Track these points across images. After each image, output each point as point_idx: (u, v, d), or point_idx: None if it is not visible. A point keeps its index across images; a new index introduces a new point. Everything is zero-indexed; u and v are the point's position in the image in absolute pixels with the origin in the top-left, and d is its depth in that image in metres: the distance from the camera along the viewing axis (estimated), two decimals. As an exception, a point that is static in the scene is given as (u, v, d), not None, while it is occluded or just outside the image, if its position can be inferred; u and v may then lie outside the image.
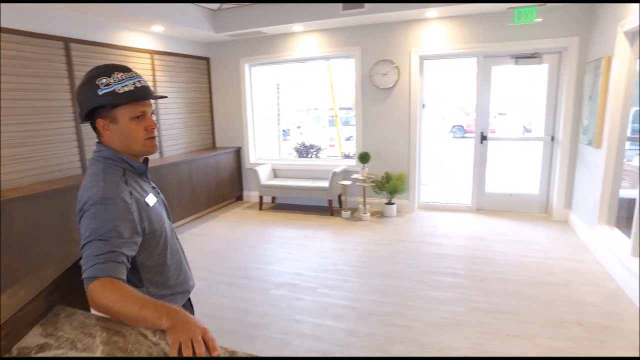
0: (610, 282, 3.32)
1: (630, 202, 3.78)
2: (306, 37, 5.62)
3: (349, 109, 9.63)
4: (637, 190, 3.17)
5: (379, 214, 5.45)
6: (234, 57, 6.05)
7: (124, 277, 1.08)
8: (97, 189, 1.15)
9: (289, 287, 3.47)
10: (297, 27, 5.32)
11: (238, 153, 6.29)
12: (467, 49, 4.92)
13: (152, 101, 1.31)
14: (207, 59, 6.14)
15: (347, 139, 10.20)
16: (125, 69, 1.22)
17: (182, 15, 4.84)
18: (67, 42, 4.06)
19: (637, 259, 3.07)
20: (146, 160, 1.35)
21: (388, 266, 3.82)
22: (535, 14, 4.46)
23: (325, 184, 5.50)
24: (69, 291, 1.27)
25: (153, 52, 5.12)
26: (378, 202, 5.59)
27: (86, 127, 4.32)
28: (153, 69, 5.13)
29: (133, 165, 1.28)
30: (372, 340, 2.64)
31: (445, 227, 4.89)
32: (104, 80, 1.17)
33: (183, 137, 5.70)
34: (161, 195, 1.45)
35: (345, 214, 5.41)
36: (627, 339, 2.58)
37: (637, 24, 3.26)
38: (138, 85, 1.21)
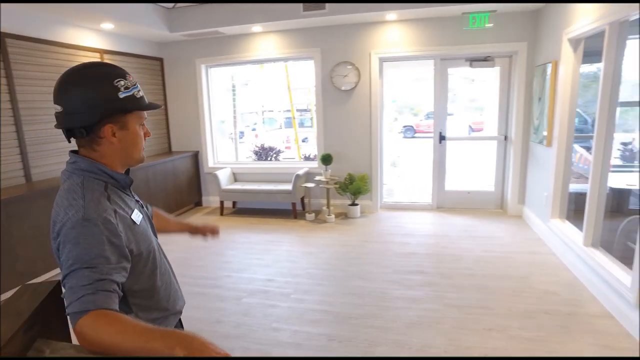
0: (566, 272, 3.54)
1: (577, 196, 4.07)
2: (265, 37, 5.52)
3: (305, 110, 9.62)
4: (583, 185, 3.40)
5: (343, 215, 5.47)
6: (189, 57, 5.82)
7: (117, 308, 0.94)
8: (77, 209, 1.00)
9: (262, 294, 3.38)
10: (256, 27, 5.22)
11: (196, 157, 6.06)
12: (425, 52, 5.07)
13: None
14: (160, 60, 5.86)
15: (303, 141, 10.18)
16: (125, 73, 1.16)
17: (134, 13, 4.57)
18: (2, 37, 3.68)
19: (589, 248, 3.30)
20: (127, 172, 1.22)
21: (358, 267, 3.83)
22: (488, 19, 4.67)
23: (287, 186, 5.43)
24: (48, 322, 1.13)
25: (103, 52, 4.80)
26: (341, 203, 5.60)
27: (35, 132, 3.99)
28: (103, 69, 4.80)
29: (116, 178, 1.13)
30: (354, 344, 2.62)
31: (409, 226, 4.99)
32: (122, 83, 1.08)
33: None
34: (148, 209, 1.34)
35: (310, 216, 5.38)
36: (588, 322, 2.76)
37: (580, 32, 3.51)
38: (142, 92, 1.18)
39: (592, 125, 4.98)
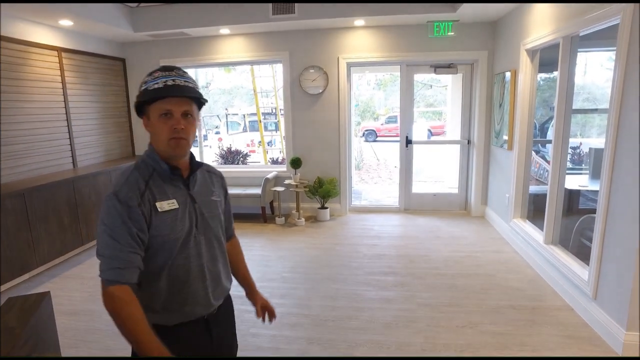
0: (529, 269, 3.75)
1: (535, 197, 4.32)
2: (233, 40, 5.46)
3: (270, 114, 9.59)
4: (542, 187, 3.62)
5: (313, 219, 5.49)
6: (153, 58, 5.64)
7: (137, 282, 1.16)
8: (115, 185, 1.20)
9: (237, 299, 3.27)
10: (224, 29, 5.15)
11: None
12: (391, 57, 5.20)
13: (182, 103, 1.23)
14: (122, 60, 5.64)
15: (269, 144, 10.14)
16: (169, 69, 1.23)
17: (96, 10, 4.38)
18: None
19: (549, 246, 3.52)
20: (196, 164, 1.33)
21: (331, 270, 3.86)
22: (451, 28, 4.87)
23: (256, 190, 5.38)
24: (40, 336, 1.08)
25: (60, 50, 4.56)
26: (310, 206, 5.63)
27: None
28: (61, 69, 4.57)
29: (158, 169, 1.25)
30: (334, 346, 2.65)
31: (377, 228, 5.09)
32: (145, 79, 1.22)
33: (99, 145, 5.16)
34: (208, 198, 1.36)
35: (280, 220, 5.36)
36: (551, 315, 2.94)
37: (537, 43, 3.74)
38: (170, 83, 1.19)
39: (540, 131, 5.33)
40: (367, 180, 8.77)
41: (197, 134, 5.86)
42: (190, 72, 5.88)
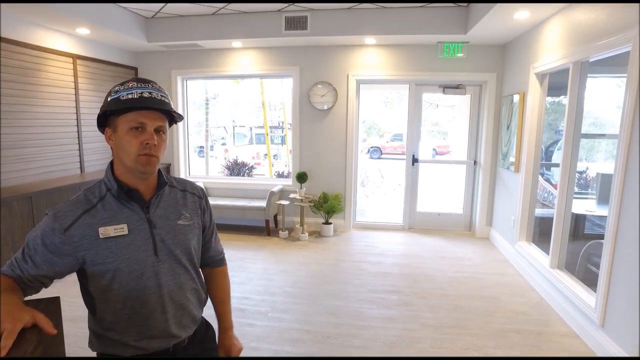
0: (533, 292, 3.70)
1: (540, 221, 4.29)
2: (245, 53, 5.53)
3: (277, 127, 9.65)
4: (548, 210, 3.61)
5: (317, 234, 5.47)
6: (164, 68, 5.72)
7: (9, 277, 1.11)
8: (63, 203, 1.16)
9: (238, 312, 3.30)
10: (236, 43, 5.22)
11: (167, 170, 5.90)
12: (401, 76, 5.25)
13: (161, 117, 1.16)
14: (135, 69, 5.72)
15: (274, 157, 10.18)
16: (145, 81, 1.14)
17: (112, 19, 4.46)
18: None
19: (555, 270, 3.48)
20: (163, 183, 1.25)
21: (334, 286, 3.83)
22: (461, 49, 4.93)
23: (261, 203, 5.38)
24: (51, 344, 1.07)
25: (76, 57, 4.63)
26: (314, 221, 5.61)
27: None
28: (75, 75, 4.63)
29: (113, 189, 1.16)
30: (336, 364, 2.61)
31: (381, 245, 5.06)
32: (116, 88, 1.14)
33: (107, 152, 5.19)
34: (173, 222, 1.24)
35: (283, 234, 5.34)
36: (557, 341, 2.90)
37: (546, 67, 3.77)
38: (146, 95, 1.11)
39: (545, 154, 5.33)
40: (371, 196, 8.76)
41: (203, 144, 5.77)
42: (200, 83, 5.97)
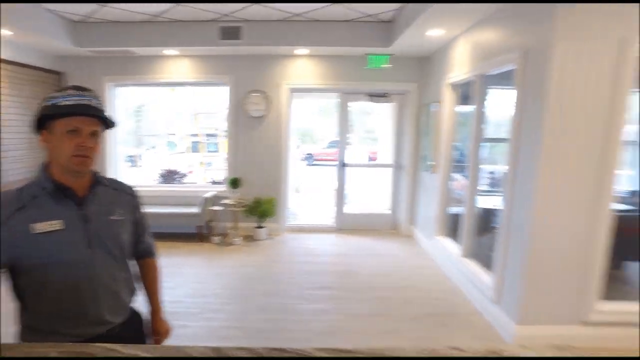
0: (447, 280, 4.11)
1: (453, 217, 4.75)
2: (180, 61, 5.54)
3: (212, 135, 9.61)
4: (461, 208, 4.04)
5: (250, 238, 5.57)
6: (95, 74, 5.52)
7: None
8: None
9: (170, 315, 3.27)
10: (171, 51, 5.23)
11: (94, 177, 5.68)
12: (330, 85, 5.56)
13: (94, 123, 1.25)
14: (59, 74, 5.47)
15: (208, 165, 10.09)
16: (83, 89, 1.25)
17: (36, 22, 4.28)
18: None
19: (464, 259, 3.90)
20: (97, 182, 1.35)
21: (267, 286, 3.97)
22: (386, 61, 5.32)
23: (194, 209, 5.39)
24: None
25: (-5, 60, 4.38)
26: (247, 226, 5.69)
27: None
28: (-6, 79, 4.38)
29: (48, 187, 1.25)
30: (265, 354, 2.75)
31: (312, 246, 5.28)
32: (53, 94, 1.23)
33: (29, 160, 4.90)
34: (106, 218, 1.33)
35: (216, 239, 5.38)
36: (464, 320, 3.30)
37: (457, 79, 4.24)
38: (84, 102, 1.22)
39: (465, 157, 5.89)
40: (305, 202, 8.99)
41: (134, 153, 5.69)
42: (133, 90, 5.87)
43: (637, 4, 2.49)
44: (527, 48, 2.87)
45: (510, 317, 2.91)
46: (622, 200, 5.36)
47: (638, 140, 5.56)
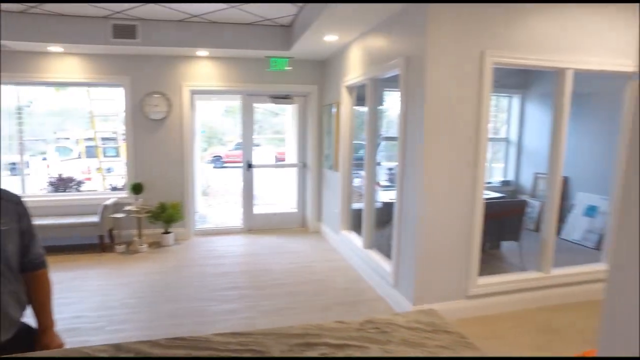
0: (353, 271, 4.41)
1: (357, 212, 5.10)
2: (66, 59, 5.11)
3: (110, 139, 8.97)
4: (362, 204, 4.38)
5: (157, 244, 5.38)
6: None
7: None
8: None
9: (69, 332, 3.12)
10: (55, 47, 4.81)
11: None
12: (233, 87, 5.57)
13: None
14: None
15: (108, 171, 9.40)
16: None
17: None
18: None
19: (366, 250, 4.23)
20: None
21: (175, 291, 3.91)
22: (286, 63, 5.50)
23: (93, 218, 5.05)
24: None
25: None
26: (153, 232, 5.49)
27: None
28: None
29: None
30: (176, 359, 2.74)
31: (222, 248, 5.28)
32: None
33: None
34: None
35: (120, 248, 5.11)
36: (368, 306, 3.58)
37: (353, 82, 4.56)
38: None
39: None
40: (214, 204, 8.86)
41: (17, 160, 5.18)
42: (10, 89, 5.28)
43: (637, 4, 2.58)
44: (408, 55, 3.23)
45: (408, 299, 3.25)
46: (497, 189, 6.22)
47: (516, 138, 6.45)
